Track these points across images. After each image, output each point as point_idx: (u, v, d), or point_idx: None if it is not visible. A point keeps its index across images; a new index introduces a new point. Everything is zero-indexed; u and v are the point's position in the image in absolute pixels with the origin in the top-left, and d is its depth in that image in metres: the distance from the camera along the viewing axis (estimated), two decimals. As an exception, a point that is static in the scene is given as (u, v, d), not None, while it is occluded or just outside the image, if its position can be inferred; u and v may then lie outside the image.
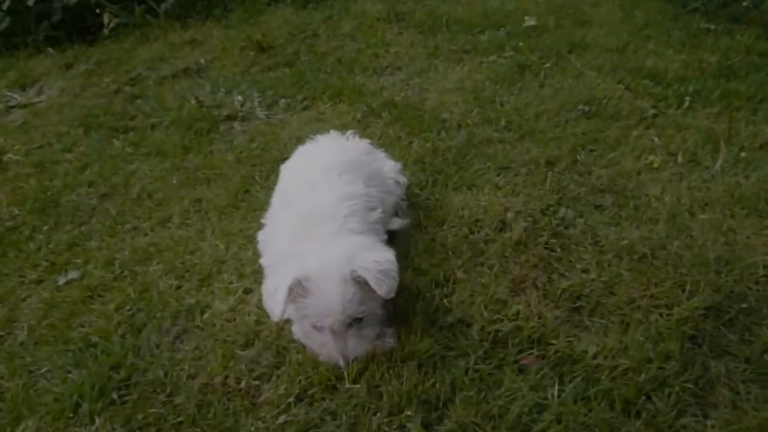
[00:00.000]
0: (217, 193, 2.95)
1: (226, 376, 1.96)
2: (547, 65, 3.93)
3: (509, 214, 2.53)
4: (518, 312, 2.06)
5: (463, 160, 2.96)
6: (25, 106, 4.43)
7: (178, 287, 2.38)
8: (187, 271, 2.46)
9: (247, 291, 2.29)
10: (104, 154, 3.50)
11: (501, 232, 2.45)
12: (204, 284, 2.36)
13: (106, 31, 5.30)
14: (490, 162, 2.91)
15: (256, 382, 1.93)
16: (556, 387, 1.80)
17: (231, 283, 2.34)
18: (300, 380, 1.89)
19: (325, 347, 1.88)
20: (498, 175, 2.83)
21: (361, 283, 1.75)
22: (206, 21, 5.44)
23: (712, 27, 4.19)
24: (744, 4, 4.31)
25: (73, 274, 2.54)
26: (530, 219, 2.49)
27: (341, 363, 1.85)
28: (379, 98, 3.69)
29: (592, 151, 2.96)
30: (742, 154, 2.80)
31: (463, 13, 4.93)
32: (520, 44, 4.22)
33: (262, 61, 4.53)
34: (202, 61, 4.66)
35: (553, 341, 1.95)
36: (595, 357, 1.87)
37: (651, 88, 3.50)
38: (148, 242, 2.67)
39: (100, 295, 2.41)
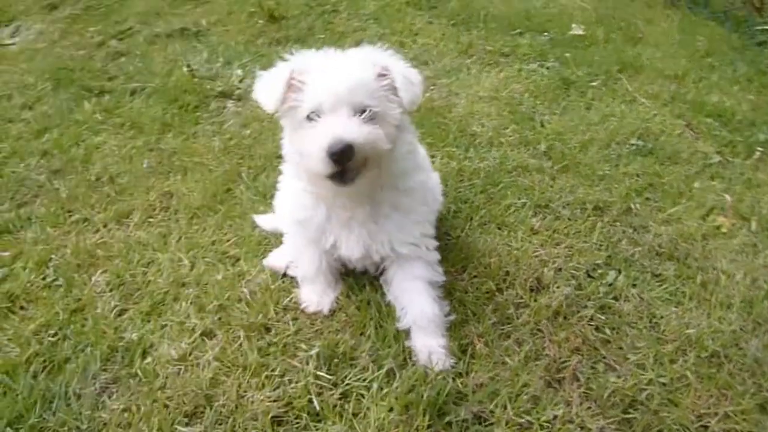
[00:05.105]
0: (192, 188, 2.43)
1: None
2: (595, 84, 3.42)
3: (547, 271, 2.03)
4: (555, 418, 1.57)
5: (493, 188, 2.45)
6: (-6, 45, 3.87)
7: (121, 312, 1.86)
8: (138, 290, 1.94)
9: (207, 334, 1.77)
10: (69, 118, 2.95)
11: (536, 294, 1.95)
12: (154, 313, 1.85)
13: (101, -27, 4.70)
14: (526, 197, 2.41)
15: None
16: None
17: (187, 318, 1.82)
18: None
19: (316, 142, 1.45)
20: (535, 215, 2.32)
21: (378, 78, 1.55)
22: (216, -23, 4.85)
23: (785, 66, 3.68)
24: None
25: (-5, 272, 2.02)
26: (573, 282, 2.00)
27: (329, 142, 1.41)
28: (400, 96, 3.16)
29: (648, 199, 2.46)
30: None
31: (503, 10, 4.40)
32: (566, 54, 3.70)
33: (272, 32, 3.98)
34: (204, 22, 4.10)
35: (599, 468, 1.47)
36: (656, 506, 1.39)
37: (715, 130, 3.00)
38: (96, 242, 2.15)
39: (22, 308, 1.89)
